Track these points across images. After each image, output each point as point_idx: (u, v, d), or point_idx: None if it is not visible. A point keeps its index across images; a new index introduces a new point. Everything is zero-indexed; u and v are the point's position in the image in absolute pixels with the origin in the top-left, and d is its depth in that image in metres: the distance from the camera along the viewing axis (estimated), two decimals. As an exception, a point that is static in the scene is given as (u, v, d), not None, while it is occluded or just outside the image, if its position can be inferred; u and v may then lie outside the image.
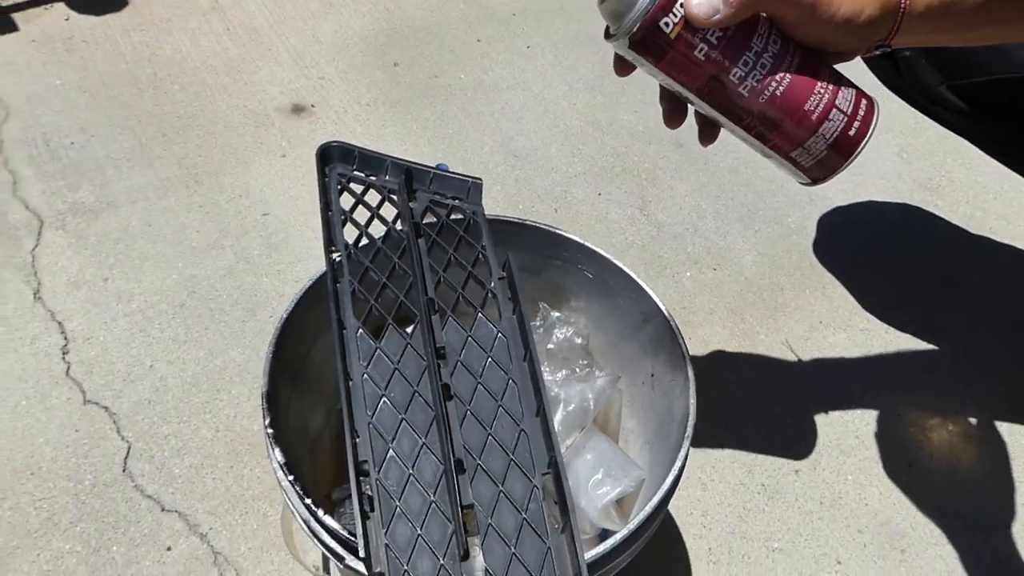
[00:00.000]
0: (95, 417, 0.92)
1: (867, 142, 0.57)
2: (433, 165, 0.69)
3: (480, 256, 0.65)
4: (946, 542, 0.89)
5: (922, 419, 0.99)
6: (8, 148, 1.19)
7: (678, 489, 0.88)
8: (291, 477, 0.56)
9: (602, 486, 0.70)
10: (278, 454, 0.57)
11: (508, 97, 1.36)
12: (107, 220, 1.12)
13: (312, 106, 1.31)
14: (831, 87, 0.56)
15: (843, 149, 0.57)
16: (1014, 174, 0.96)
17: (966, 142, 0.97)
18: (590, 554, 0.53)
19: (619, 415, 0.77)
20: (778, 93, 0.55)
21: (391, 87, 1.36)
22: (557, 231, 0.71)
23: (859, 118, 0.57)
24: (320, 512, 0.55)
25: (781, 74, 0.54)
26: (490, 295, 0.63)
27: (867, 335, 1.07)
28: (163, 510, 0.86)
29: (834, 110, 0.56)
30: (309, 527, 0.57)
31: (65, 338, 0.99)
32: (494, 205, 1.17)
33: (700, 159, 1.28)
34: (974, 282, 1.15)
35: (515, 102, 1.36)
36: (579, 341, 0.74)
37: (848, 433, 0.97)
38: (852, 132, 0.56)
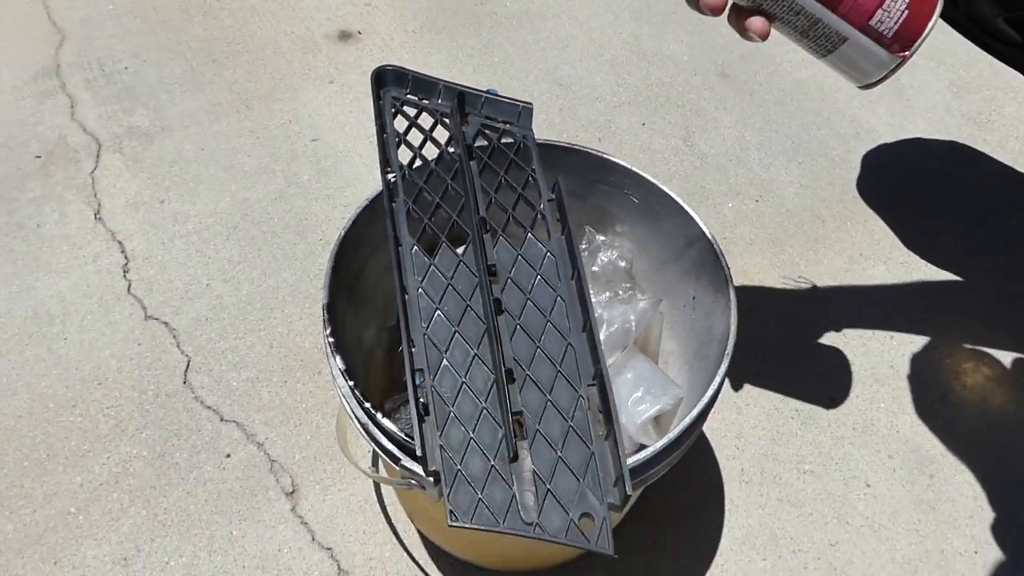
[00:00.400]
0: (156, 332, 0.97)
1: (929, 31, 0.52)
2: (484, 90, 0.70)
3: (530, 179, 0.67)
4: (974, 470, 0.91)
5: (958, 353, 1.01)
6: (65, 72, 1.23)
7: (713, 412, 0.91)
8: (351, 383, 0.60)
9: (641, 403, 0.73)
10: (338, 361, 0.60)
11: (553, 25, 1.36)
12: (162, 144, 1.15)
13: (359, 32, 1.32)
14: None
15: (906, 35, 0.52)
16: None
17: (1019, 76, 0.96)
18: (631, 460, 0.56)
19: (659, 337, 0.79)
20: None
21: (437, 14, 1.37)
22: (605, 156, 0.73)
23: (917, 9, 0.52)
24: (378, 415, 0.58)
25: None
26: (539, 216, 0.65)
27: (907, 268, 1.08)
28: (222, 420, 0.91)
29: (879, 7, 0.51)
30: (367, 431, 0.61)
31: (125, 257, 1.03)
32: (539, 133, 1.16)
33: (745, 90, 1.28)
34: (1019, 221, 1.15)
35: (560, 30, 1.35)
36: (623, 264, 0.76)
37: (883, 363, 0.99)
38: (909, 16, 0.51)
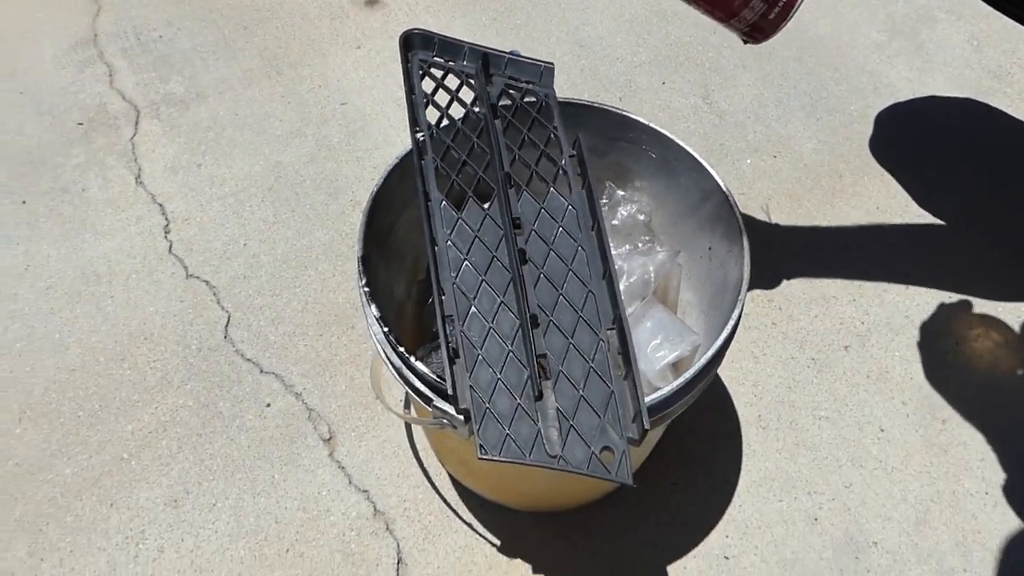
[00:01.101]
0: (197, 290, 1.02)
1: (789, 21, 0.61)
2: (507, 51, 0.73)
3: (552, 136, 0.70)
4: (985, 414, 0.94)
5: (971, 305, 1.03)
6: (102, 41, 1.27)
7: (731, 361, 0.95)
8: (386, 329, 0.64)
9: (660, 350, 0.77)
10: (373, 309, 0.64)
11: (574, -13, 1.38)
12: (197, 110, 1.19)
13: (384, -2, 1.35)
14: None
15: (765, 29, 0.62)
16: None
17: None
18: (649, 399, 0.60)
19: (678, 287, 0.83)
20: None
21: (460, -22, 1.39)
22: (624, 113, 0.76)
23: (779, 5, 0.60)
24: (411, 359, 0.62)
25: None
26: (561, 171, 0.68)
27: (923, 223, 1.10)
28: (261, 372, 0.96)
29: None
30: (401, 374, 0.65)
31: (166, 219, 1.08)
32: (561, 93, 1.20)
33: (764, 49, 1.29)
34: (1035, 171, 1.16)
35: (581, -8, 1.37)
36: (642, 218, 0.80)
37: (898, 313, 1.01)
38: (772, 16, 0.61)
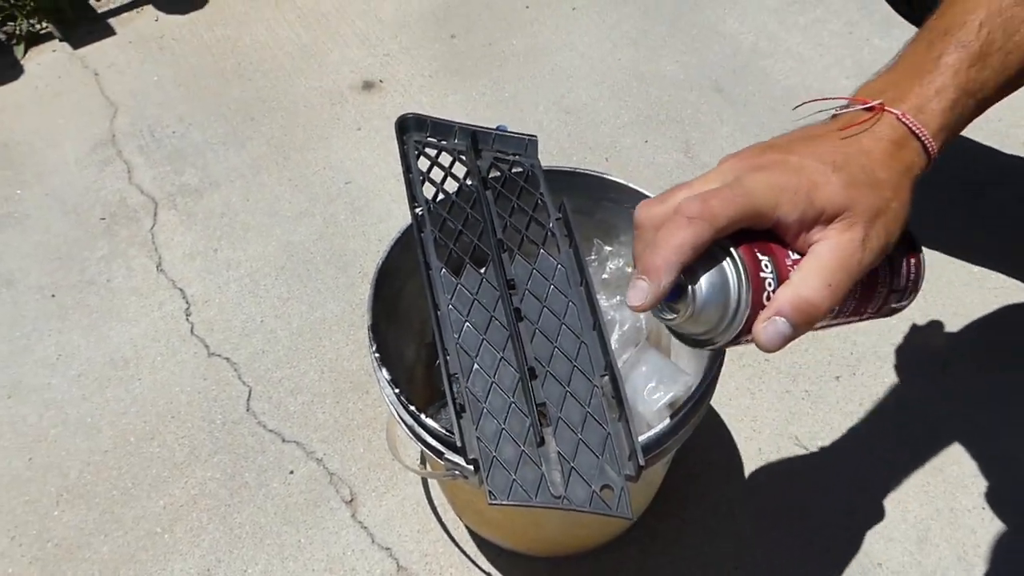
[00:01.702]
0: (219, 367, 1.07)
1: (919, 290, 0.56)
2: (494, 127, 0.79)
3: (539, 202, 0.75)
4: (977, 432, 0.98)
5: (953, 324, 1.07)
6: (120, 141, 1.35)
7: (730, 399, 0.99)
8: (397, 390, 0.69)
9: (656, 392, 0.81)
10: (385, 373, 0.70)
11: (557, 59, 1.46)
12: (211, 198, 1.27)
13: (380, 81, 1.43)
14: (887, 281, 0.53)
15: (905, 305, 0.57)
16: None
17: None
18: (642, 438, 0.65)
19: (668, 332, 0.87)
20: (843, 315, 0.52)
21: (450, 58, 1.47)
22: (604, 176, 0.82)
23: (911, 287, 0.55)
24: (422, 416, 0.67)
25: (847, 304, 0.52)
26: (549, 234, 0.73)
27: (901, 253, 1.15)
28: (283, 441, 1.01)
29: (892, 295, 0.54)
30: (413, 431, 0.70)
31: (187, 302, 1.14)
32: (550, 158, 1.27)
33: (739, 101, 1.36)
34: (1003, 196, 1.21)
35: (564, 63, 1.45)
36: (629, 270, 0.85)
37: (884, 341, 1.06)
38: (908, 295, 0.56)
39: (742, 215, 0.45)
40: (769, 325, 0.45)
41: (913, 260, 0.55)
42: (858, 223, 0.45)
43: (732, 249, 0.46)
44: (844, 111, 0.51)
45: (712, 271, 0.47)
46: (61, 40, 1.52)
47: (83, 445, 1.01)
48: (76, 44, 1.51)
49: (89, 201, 1.27)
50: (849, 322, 0.54)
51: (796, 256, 0.47)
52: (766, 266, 0.46)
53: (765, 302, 0.46)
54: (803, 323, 0.45)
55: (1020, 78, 0.52)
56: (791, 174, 0.46)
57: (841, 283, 0.45)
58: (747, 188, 0.45)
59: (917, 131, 0.48)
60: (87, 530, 0.94)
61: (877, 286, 0.52)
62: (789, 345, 0.45)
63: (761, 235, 0.47)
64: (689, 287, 0.47)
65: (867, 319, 0.55)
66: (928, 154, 0.49)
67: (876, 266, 0.47)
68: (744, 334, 0.47)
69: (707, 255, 0.46)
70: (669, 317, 0.49)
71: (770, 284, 0.46)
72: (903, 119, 0.48)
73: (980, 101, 0.50)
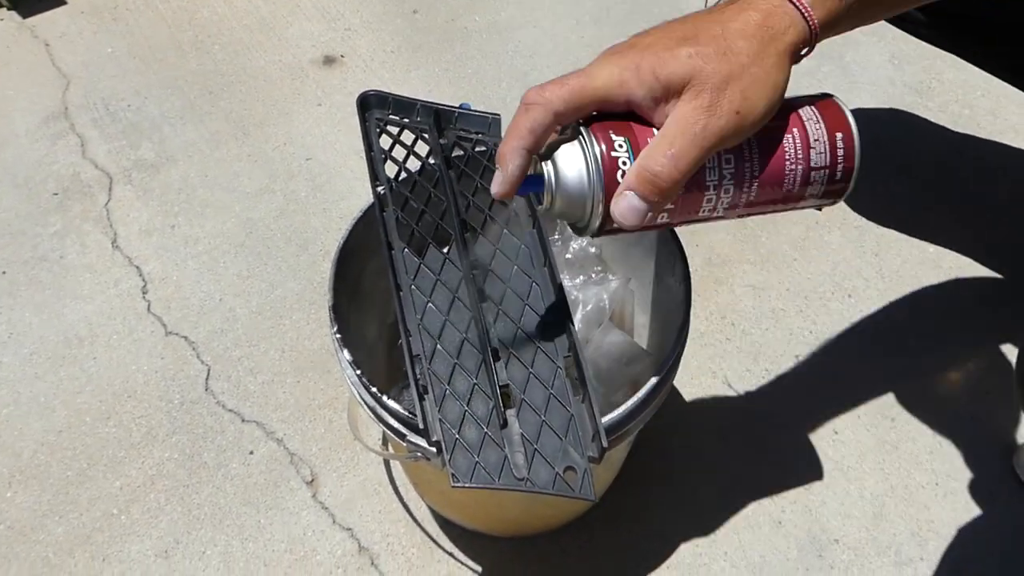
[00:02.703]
0: (177, 346, 1.06)
1: (857, 170, 0.53)
2: (457, 105, 0.79)
3: (502, 181, 0.75)
4: (932, 409, 1.00)
5: (912, 305, 1.09)
6: (73, 114, 1.31)
7: (691, 377, 1.00)
8: (358, 371, 0.68)
9: (619, 374, 0.82)
10: (346, 354, 0.69)
11: (520, 35, 1.45)
12: (168, 173, 1.24)
13: (341, 56, 1.41)
14: (800, 155, 0.51)
15: (838, 188, 0.53)
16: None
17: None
18: (605, 419, 0.65)
19: (632, 312, 0.88)
20: (753, 197, 0.51)
21: (412, 33, 1.45)
22: (568, 156, 0.81)
23: (840, 161, 0.52)
24: (384, 398, 0.67)
25: (747, 183, 0.50)
26: (513, 214, 0.73)
27: (860, 232, 1.17)
28: (243, 421, 0.99)
29: (812, 172, 0.51)
30: (375, 412, 0.69)
31: (143, 280, 1.12)
32: (515, 137, 1.27)
33: (705, 81, 1.36)
34: (961, 178, 1.23)
35: (527, 39, 1.44)
36: (593, 250, 0.85)
37: (843, 320, 1.07)
38: (839, 176, 0.52)
39: (581, 97, 0.47)
40: (620, 200, 0.47)
41: (840, 133, 0.52)
42: (704, 90, 0.45)
43: (583, 130, 0.48)
44: None
45: (564, 154, 0.48)
46: (9, 8, 1.46)
47: (36, 425, 0.99)
48: (25, 13, 1.46)
49: (41, 175, 1.23)
50: (763, 205, 0.52)
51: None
52: (620, 145, 0.48)
53: (620, 180, 0.47)
54: (652, 193, 0.46)
55: None
56: (637, 53, 0.47)
57: (684, 150, 0.46)
58: (589, 73, 0.47)
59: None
60: (41, 511, 0.92)
61: (783, 161, 0.50)
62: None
63: (621, 117, 0.48)
64: (547, 175, 0.49)
65: (800, 203, 0.53)
66: (808, 23, 0.48)
67: (739, 132, 0.47)
68: (608, 215, 0.48)
69: (566, 145, 0.49)
70: (540, 206, 0.51)
71: (624, 163, 0.47)
72: None
73: None
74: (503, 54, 1.42)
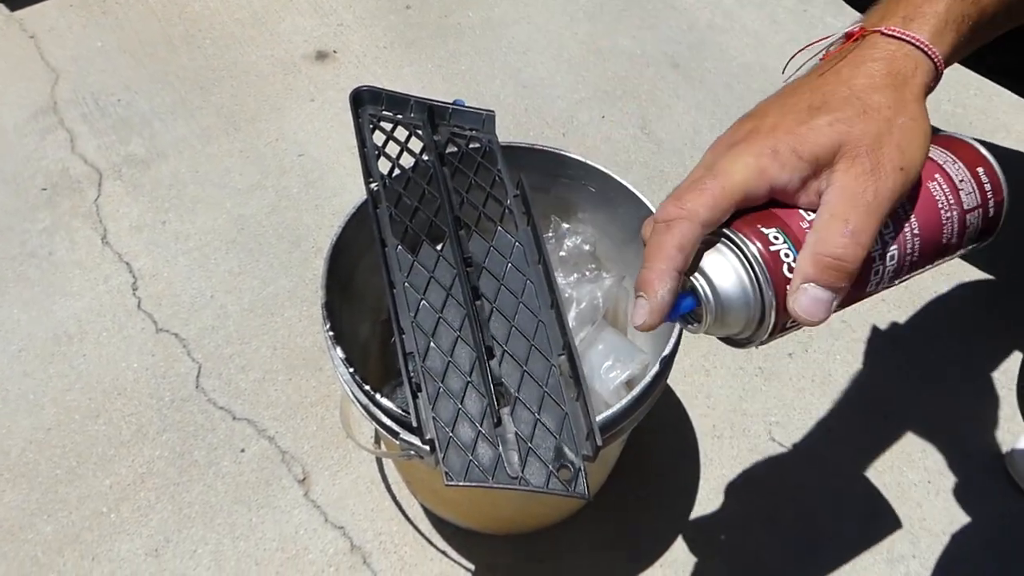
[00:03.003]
0: (167, 343, 1.05)
1: (1006, 203, 0.50)
2: (451, 101, 0.78)
3: (497, 178, 0.74)
4: (924, 406, 1.00)
5: (902, 302, 1.09)
6: (62, 108, 1.30)
7: (684, 376, 1.00)
8: (351, 369, 0.68)
9: (613, 370, 0.81)
10: (339, 351, 0.68)
11: (514, 32, 1.44)
12: (158, 169, 1.23)
13: (334, 52, 1.40)
14: (952, 200, 0.47)
15: (991, 225, 0.50)
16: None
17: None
18: (600, 417, 0.65)
19: (626, 310, 0.88)
20: (916, 257, 0.48)
21: (405, 29, 1.45)
22: (562, 152, 0.81)
23: (990, 197, 0.49)
24: (377, 396, 0.66)
25: (909, 244, 0.46)
26: (507, 211, 0.73)
27: (853, 232, 1.17)
28: (234, 419, 0.99)
29: (967, 216, 0.48)
30: (368, 411, 0.69)
31: (133, 276, 1.11)
32: (506, 133, 1.26)
33: (696, 78, 1.36)
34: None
35: (521, 36, 1.44)
36: (587, 248, 0.85)
37: (836, 318, 1.07)
38: (991, 213, 0.49)
39: (725, 200, 0.43)
40: (800, 296, 0.42)
41: (980, 168, 0.49)
42: (860, 154, 0.42)
43: (731, 234, 0.44)
44: (830, 48, 0.49)
45: (717, 265, 0.44)
46: (-2, 2, 1.46)
47: (25, 423, 0.98)
48: (13, 6, 1.45)
49: (30, 171, 1.22)
50: (925, 263, 0.49)
51: (812, 216, 0.44)
52: (775, 238, 0.43)
53: (788, 275, 0.43)
54: (836, 280, 0.42)
55: None
56: (769, 137, 0.43)
57: (861, 222, 0.41)
58: (724, 170, 0.43)
59: (907, 38, 0.45)
60: (29, 510, 0.91)
61: (938, 211, 0.47)
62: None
63: (763, 208, 0.44)
64: (700, 290, 0.44)
65: (957, 251, 0.50)
66: (933, 60, 0.45)
67: (907, 189, 0.43)
68: (783, 317, 0.44)
69: (712, 252, 0.44)
70: (695, 327, 0.47)
71: (787, 255, 0.43)
72: (888, 32, 0.45)
73: (982, 8, 0.47)
74: (496, 50, 1.41)
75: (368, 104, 0.77)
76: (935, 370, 1.03)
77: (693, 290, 0.45)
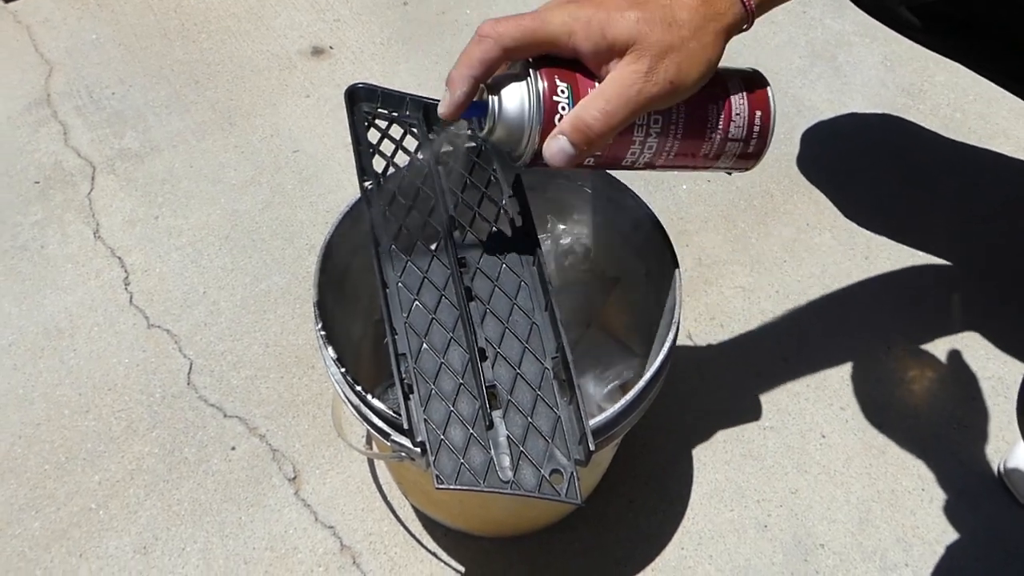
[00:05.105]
0: (159, 339, 1.04)
1: (767, 148, 0.59)
2: (447, 100, 0.78)
3: (492, 178, 0.74)
4: (919, 414, 1.00)
5: (900, 307, 1.09)
6: (55, 101, 1.29)
7: (679, 380, 0.99)
8: (343, 369, 0.67)
9: (606, 374, 0.81)
10: (331, 351, 0.68)
11: (513, 29, 1.43)
12: (152, 163, 1.22)
13: (330, 47, 1.39)
14: (721, 126, 0.57)
15: (749, 160, 0.60)
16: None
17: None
18: (593, 422, 0.64)
19: (620, 313, 0.87)
20: (672, 156, 0.57)
21: (402, 25, 1.44)
22: (559, 153, 0.80)
23: (755, 135, 0.58)
24: (369, 397, 0.66)
25: (669, 143, 0.56)
26: (502, 211, 0.72)
27: (850, 234, 1.16)
28: (225, 416, 0.98)
29: (728, 144, 0.58)
30: (359, 411, 0.68)
31: (125, 271, 1.10)
32: (505, 132, 1.26)
33: (697, 79, 1.35)
34: (952, 184, 1.23)
35: (520, 33, 1.42)
36: (582, 249, 0.84)
37: (833, 322, 1.07)
38: (751, 149, 0.58)
39: (532, 39, 0.50)
40: (552, 141, 0.52)
41: (759, 111, 0.57)
42: (644, 56, 0.49)
43: (531, 70, 0.52)
44: None
45: (510, 88, 0.52)
46: (-8, -8, 1.44)
47: (14, 417, 0.97)
48: (8, -3, 1.44)
49: (22, 163, 1.21)
50: (681, 163, 0.58)
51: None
52: (562, 91, 0.52)
53: (556, 122, 0.52)
54: (581, 142, 0.51)
55: None
56: (591, 8, 0.50)
57: (617, 109, 0.50)
58: (543, 16, 0.50)
59: None
60: (17, 505, 0.91)
61: (705, 129, 0.56)
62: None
63: (569, 64, 0.52)
64: (490, 101, 0.53)
65: (711, 168, 0.59)
66: (745, 6, 0.53)
67: (671, 100, 0.52)
68: (539, 151, 0.53)
69: (513, 77, 0.53)
70: (481, 131, 0.55)
71: (564, 108, 0.52)
72: None
73: None
74: (494, 48, 1.40)
75: (363, 101, 0.76)
76: (931, 377, 1.03)
77: (486, 103, 0.53)
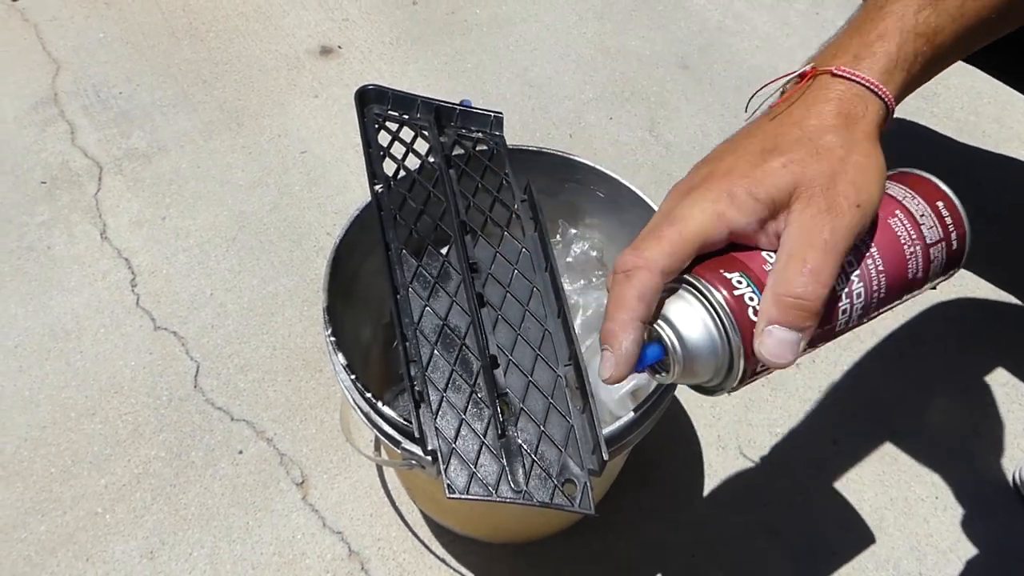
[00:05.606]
0: (166, 341, 1.03)
1: (968, 235, 0.50)
2: (458, 102, 0.77)
3: (504, 182, 0.73)
4: (932, 420, 0.99)
5: (911, 312, 1.08)
6: (62, 100, 1.29)
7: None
8: (353, 376, 0.66)
9: (619, 380, 0.80)
10: (340, 357, 0.67)
11: (522, 30, 1.43)
12: (159, 163, 1.21)
13: (339, 47, 1.38)
14: (914, 235, 0.48)
15: (955, 258, 0.51)
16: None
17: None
18: (606, 430, 0.63)
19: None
20: (883, 294, 0.47)
21: (411, 25, 1.43)
22: (570, 156, 0.79)
23: (952, 230, 0.49)
24: (379, 404, 0.65)
25: (875, 281, 0.47)
26: (514, 216, 0.71)
27: (863, 240, 1.15)
28: (232, 419, 0.97)
29: (931, 249, 0.48)
30: (369, 419, 0.67)
31: (132, 272, 1.10)
32: (512, 134, 1.24)
33: (705, 80, 1.34)
34: (966, 186, 1.21)
35: (528, 34, 1.42)
36: (594, 254, 0.83)
37: (844, 330, 1.06)
38: (955, 245, 0.50)
39: (683, 247, 0.43)
40: (766, 338, 0.42)
41: (940, 202, 0.49)
42: (815, 193, 0.43)
43: (694, 281, 0.44)
44: (786, 87, 0.49)
45: (682, 313, 0.44)
46: (-1, -10, 1.44)
47: (20, 420, 0.96)
48: (16, -5, 1.44)
49: (29, 163, 1.20)
50: (892, 298, 0.49)
51: (774, 257, 0.44)
52: (739, 282, 0.43)
53: (754, 319, 0.42)
54: (800, 319, 0.42)
55: (983, 27, 0.49)
56: (724, 181, 0.44)
57: (819, 260, 0.42)
58: (680, 217, 0.44)
59: (856, 79, 0.46)
60: (23, 509, 0.90)
61: (901, 246, 0.47)
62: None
63: (721, 252, 0.44)
64: (666, 339, 0.44)
65: (925, 285, 0.50)
66: (883, 99, 0.46)
67: (865, 225, 0.44)
68: (752, 363, 0.43)
69: (676, 300, 0.44)
70: (664, 376, 0.46)
71: (751, 299, 0.43)
72: (837, 72, 0.46)
73: (937, 46, 0.48)
74: (504, 49, 1.39)
75: (373, 103, 0.76)
76: (944, 384, 1.02)
77: (659, 339, 0.44)
